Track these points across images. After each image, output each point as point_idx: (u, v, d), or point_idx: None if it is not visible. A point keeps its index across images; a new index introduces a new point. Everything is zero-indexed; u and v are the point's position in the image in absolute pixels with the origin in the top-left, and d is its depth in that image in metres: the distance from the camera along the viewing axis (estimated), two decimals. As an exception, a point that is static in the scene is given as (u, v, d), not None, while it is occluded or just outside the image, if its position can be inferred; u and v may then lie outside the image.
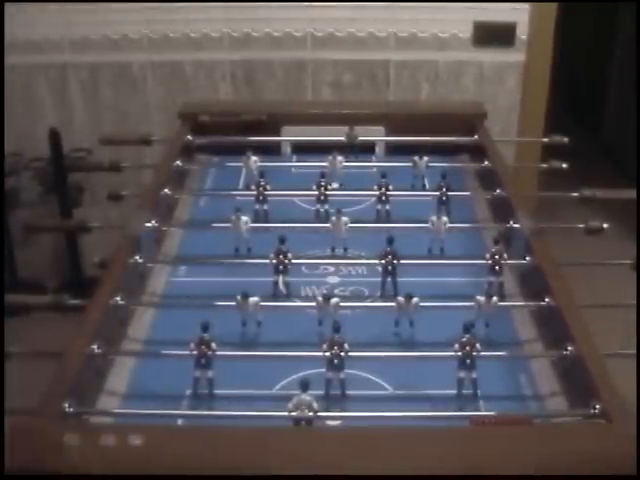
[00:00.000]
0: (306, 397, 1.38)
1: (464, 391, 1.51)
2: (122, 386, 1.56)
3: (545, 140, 2.53)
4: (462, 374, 1.51)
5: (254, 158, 2.25)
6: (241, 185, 2.29)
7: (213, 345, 1.51)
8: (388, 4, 3.26)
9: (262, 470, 1.24)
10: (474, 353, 1.50)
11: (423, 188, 2.26)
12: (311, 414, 1.37)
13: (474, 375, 1.50)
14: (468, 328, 1.52)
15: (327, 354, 1.50)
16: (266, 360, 1.60)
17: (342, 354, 1.49)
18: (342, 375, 1.50)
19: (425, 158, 2.26)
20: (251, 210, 2.07)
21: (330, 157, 2.26)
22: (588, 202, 2.16)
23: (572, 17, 4.56)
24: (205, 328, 1.51)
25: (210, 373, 1.51)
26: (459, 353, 1.50)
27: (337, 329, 1.51)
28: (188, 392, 1.52)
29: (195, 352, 1.50)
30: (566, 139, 2.47)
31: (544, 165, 2.44)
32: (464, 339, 1.51)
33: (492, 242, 1.87)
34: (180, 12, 3.28)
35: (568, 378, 1.53)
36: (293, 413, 1.37)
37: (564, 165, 2.34)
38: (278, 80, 3.40)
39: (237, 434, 1.32)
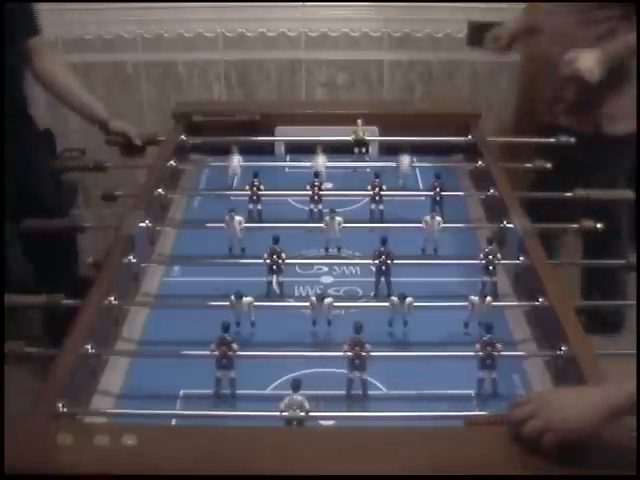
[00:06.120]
0: (297, 397, 1.38)
1: (482, 391, 1.52)
2: (116, 386, 1.56)
3: (552, 140, 2.46)
4: (482, 374, 1.52)
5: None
6: (235, 184, 2.29)
7: (234, 345, 1.51)
8: (382, 4, 3.26)
9: (254, 470, 1.24)
10: (494, 353, 1.51)
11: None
12: (302, 414, 1.37)
13: (494, 375, 1.52)
14: (489, 328, 1.53)
15: (349, 354, 1.50)
16: (259, 360, 1.60)
17: (363, 354, 1.49)
18: (364, 375, 1.50)
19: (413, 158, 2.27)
20: (245, 210, 2.07)
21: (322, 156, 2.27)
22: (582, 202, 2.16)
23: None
24: (226, 328, 1.51)
25: (232, 373, 1.51)
26: (480, 353, 1.51)
27: (358, 329, 1.51)
28: (182, 392, 1.52)
29: (216, 352, 1.50)
30: (573, 139, 2.43)
31: (529, 165, 2.40)
32: (485, 338, 1.52)
33: (486, 242, 1.88)
34: (174, 12, 3.28)
35: (561, 378, 1.53)
36: (285, 413, 1.38)
37: (548, 165, 2.33)
38: (272, 80, 3.39)
39: (230, 434, 1.32)
